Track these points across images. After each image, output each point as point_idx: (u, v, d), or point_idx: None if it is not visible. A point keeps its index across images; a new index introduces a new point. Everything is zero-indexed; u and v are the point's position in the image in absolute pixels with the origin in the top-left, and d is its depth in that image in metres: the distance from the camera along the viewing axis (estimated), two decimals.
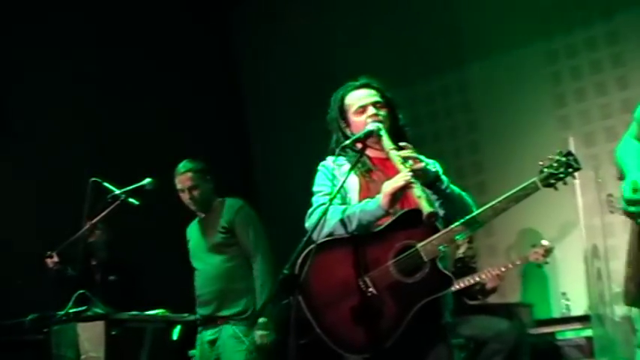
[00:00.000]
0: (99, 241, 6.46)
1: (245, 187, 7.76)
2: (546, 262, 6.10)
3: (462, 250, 6.31)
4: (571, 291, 6.60)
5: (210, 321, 5.49)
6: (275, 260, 5.39)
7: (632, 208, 2.87)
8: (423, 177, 3.59)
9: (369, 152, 3.82)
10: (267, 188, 8.59)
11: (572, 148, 3.59)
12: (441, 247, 3.51)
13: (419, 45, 7.76)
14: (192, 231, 5.74)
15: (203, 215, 5.69)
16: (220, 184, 5.71)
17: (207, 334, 5.51)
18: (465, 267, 6.24)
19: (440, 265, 3.54)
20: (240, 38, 9.08)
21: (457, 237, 3.58)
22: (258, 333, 5.32)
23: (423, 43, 7.75)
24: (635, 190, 2.85)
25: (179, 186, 5.60)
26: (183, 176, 5.58)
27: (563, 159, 3.48)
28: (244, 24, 9.01)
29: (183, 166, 5.61)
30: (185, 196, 5.59)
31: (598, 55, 6.98)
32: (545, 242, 6.11)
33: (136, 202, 5.60)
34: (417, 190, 3.48)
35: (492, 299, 6.38)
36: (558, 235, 6.65)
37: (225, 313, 5.44)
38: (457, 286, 5.91)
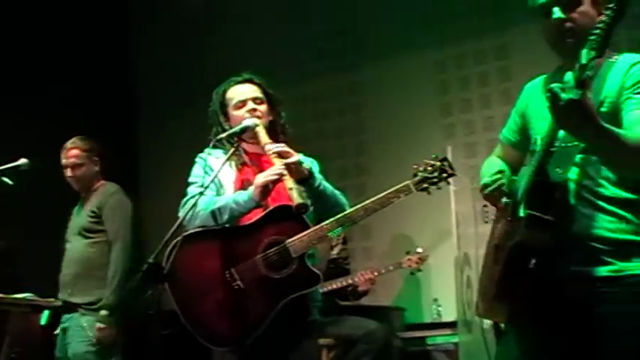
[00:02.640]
0: None
1: (129, 176, 7.67)
2: (419, 270, 6.17)
3: (336, 251, 6.33)
4: (443, 297, 6.68)
5: (66, 306, 5.34)
6: (133, 251, 5.28)
7: (488, 190, 2.98)
8: (296, 172, 3.61)
9: (246, 147, 3.86)
10: (152, 177, 8.48)
11: (450, 157, 3.64)
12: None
13: (312, 44, 7.77)
14: (74, 211, 5.62)
15: (83, 195, 5.56)
16: (106, 169, 5.61)
17: (62, 320, 5.36)
18: (339, 268, 6.26)
19: (308, 263, 3.56)
20: (135, 25, 8.92)
21: (328, 234, 3.61)
22: (97, 326, 5.15)
23: (316, 42, 7.76)
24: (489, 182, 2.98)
25: (63, 162, 5.48)
26: (69, 152, 5.46)
27: (438, 164, 3.56)
28: (140, 11, 8.86)
29: (72, 142, 5.50)
30: (67, 173, 5.47)
31: (486, 68, 7.10)
32: (419, 250, 6.19)
33: (10, 182, 5.42)
34: (289, 182, 3.53)
35: (365, 301, 6.43)
36: (433, 242, 6.72)
37: (76, 300, 5.29)
38: (330, 287, 5.95)
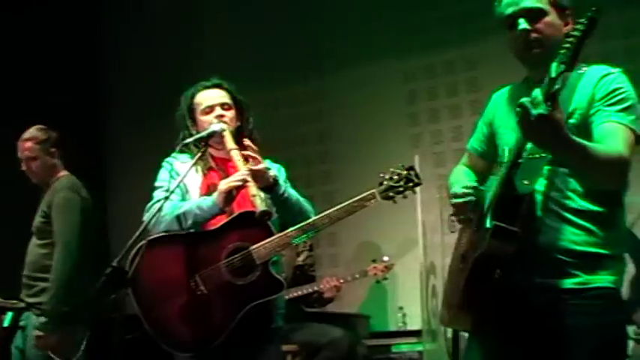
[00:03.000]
0: None
1: (97, 178, 7.62)
2: (385, 279, 6.16)
3: (301, 258, 6.32)
4: (408, 306, 6.69)
5: (27, 307, 5.07)
6: (79, 255, 4.91)
7: (458, 201, 2.96)
8: (261, 179, 3.62)
9: (213, 152, 3.86)
10: (120, 180, 8.43)
11: (417, 166, 3.65)
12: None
13: (281, 50, 7.76)
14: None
15: (44, 190, 5.19)
16: (69, 160, 5.31)
17: (22, 318, 5.11)
18: (304, 275, 6.25)
19: (272, 269, 3.56)
20: (107, 21, 8.85)
21: (293, 241, 3.61)
22: (35, 333, 4.87)
23: (285, 49, 7.74)
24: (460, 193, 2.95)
25: (19, 154, 5.18)
26: (23, 145, 5.16)
27: (404, 173, 3.57)
28: (113, 9, 8.79)
29: (27, 133, 5.18)
30: (23, 166, 5.18)
31: (454, 78, 7.13)
32: (385, 258, 6.18)
33: None
34: (253, 189, 3.52)
35: (331, 308, 6.43)
36: (400, 250, 6.73)
37: (30, 300, 5.01)
38: (295, 294, 5.93)
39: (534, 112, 2.43)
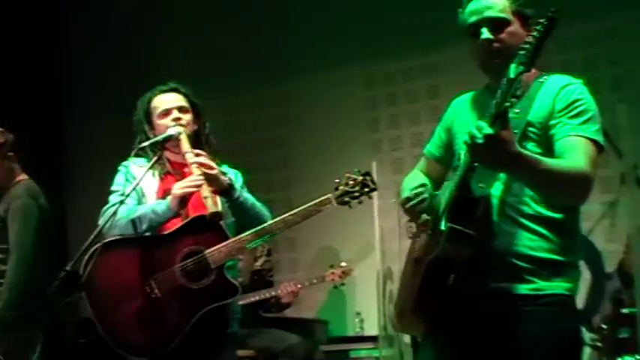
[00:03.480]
0: None
1: (55, 181, 7.56)
2: (343, 284, 6.18)
3: (259, 263, 6.31)
4: (366, 311, 6.70)
5: None
6: (34, 263, 4.74)
7: (410, 204, 2.94)
8: (216, 183, 3.61)
9: (169, 156, 3.86)
10: (78, 183, 8.35)
11: (374, 172, 3.67)
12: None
13: (242, 54, 7.74)
14: None
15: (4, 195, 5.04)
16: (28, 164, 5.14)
17: None
18: (262, 280, 6.26)
19: (227, 274, 3.55)
20: (67, 20, 8.76)
21: (247, 246, 3.60)
22: None
23: (246, 53, 7.73)
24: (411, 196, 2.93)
25: None
26: None
27: (360, 178, 3.59)
28: (72, 14, 8.72)
29: None
30: None
31: (414, 85, 7.16)
32: (343, 264, 6.20)
33: None
34: (205, 191, 3.53)
35: (289, 313, 6.43)
36: (358, 256, 6.75)
37: None
38: (253, 299, 5.93)
39: (483, 132, 2.43)
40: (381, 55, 7.21)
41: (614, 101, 5.30)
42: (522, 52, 2.51)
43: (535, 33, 2.51)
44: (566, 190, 2.69)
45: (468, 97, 3.11)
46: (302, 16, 7.57)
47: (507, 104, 2.48)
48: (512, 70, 2.49)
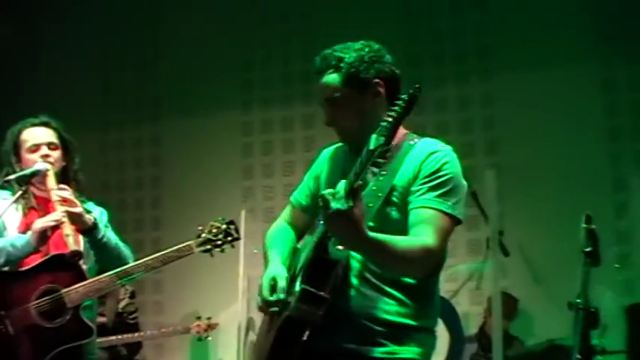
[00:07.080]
0: None
1: None
2: (207, 337, 6.15)
3: (121, 305, 6.23)
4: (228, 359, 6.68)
5: None
6: None
7: (271, 309, 2.85)
8: (79, 221, 3.58)
9: (35, 191, 3.80)
10: None
11: (243, 220, 3.67)
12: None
13: (120, 93, 7.69)
14: None
15: None
16: None
17: None
18: (124, 322, 6.16)
19: (82, 314, 3.50)
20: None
21: (106, 287, 3.55)
22: None
23: (124, 91, 7.68)
24: (273, 288, 2.81)
25: None
26: None
27: (224, 227, 3.60)
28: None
29: None
30: None
31: (292, 135, 7.23)
32: (209, 317, 6.17)
33: None
34: (67, 229, 3.48)
35: (155, 356, 6.35)
36: (224, 303, 6.73)
37: None
38: (115, 341, 5.81)
39: (333, 205, 2.43)
40: (261, 103, 7.26)
41: (486, 165, 5.45)
42: (384, 124, 2.48)
43: (397, 108, 2.49)
44: (407, 268, 2.70)
45: (338, 148, 3.07)
46: (182, 58, 7.62)
47: (360, 182, 2.48)
48: (373, 141, 2.47)
